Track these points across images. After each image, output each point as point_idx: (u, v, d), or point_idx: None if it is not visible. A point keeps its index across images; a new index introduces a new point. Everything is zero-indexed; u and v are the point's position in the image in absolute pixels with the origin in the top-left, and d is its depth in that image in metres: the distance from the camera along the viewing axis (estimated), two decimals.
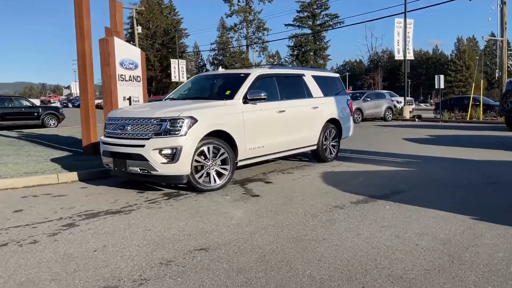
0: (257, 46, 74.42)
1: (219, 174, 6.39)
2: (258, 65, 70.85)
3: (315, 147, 8.43)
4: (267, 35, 72.71)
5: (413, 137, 13.48)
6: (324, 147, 8.58)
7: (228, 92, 6.99)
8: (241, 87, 6.92)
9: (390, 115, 23.24)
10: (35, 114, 21.04)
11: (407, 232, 4.23)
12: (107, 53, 9.20)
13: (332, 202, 5.45)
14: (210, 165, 6.24)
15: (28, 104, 21.64)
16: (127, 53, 9.69)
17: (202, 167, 6.21)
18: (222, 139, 6.42)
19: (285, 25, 77.40)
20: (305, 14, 74.37)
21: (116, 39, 9.37)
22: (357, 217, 4.78)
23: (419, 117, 23.83)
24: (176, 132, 5.88)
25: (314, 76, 8.59)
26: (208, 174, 6.25)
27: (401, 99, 28.38)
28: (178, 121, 5.91)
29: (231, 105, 6.64)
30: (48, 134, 15.42)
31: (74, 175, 7.31)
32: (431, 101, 66.69)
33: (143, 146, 5.89)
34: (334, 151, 8.87)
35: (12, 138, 14.24)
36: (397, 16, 24.87)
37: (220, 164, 6.39)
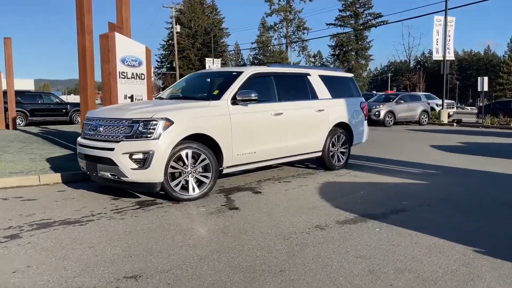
0: (296, 45, 73.52)
1: (200, 182, 5.79)
2: (295, 64, 70.01)
3: (320, 154, 7.67)
4: (307, 34, 71.72)
5: (442, 144, 12.36)
6: (331, 153, 7.80)
7: (216, 92, 6.39)
8: (231, 87, 6.29)
9: (426, 119, 21.85)
10: (64, 110, 21.28)
11: (386, 266, 3.47)
12: (107, 49, 8.80)
13: (315, 221, 4.73)
14: (189, 172, 5.66)
15: (57, 100, 21.94)
16: (131, 49, 9.26)
17: (180, 174, 5.63)
18: (204, 144, 5.83)
19: (327, 24, 75.98)
20: (348, 13, 72.63)
21: (117, 35, 8.96)
22: (335, 242, 4.04)
23: (459, 121, 22.30)
24: (148, 135, 5.33)
25: (321, 76, 7.82)
26: (187, 182, 5.67)
27: (446, 101, 26.69)
28: (151, 122, 5.36)
29: (216, 106, 6.02)
30: (67, 131, 15.39)
31: (57, 177, 6.94)
32: (480, 104, 63.31)
33: (112, 149, 5.39)
34: (343, 159, 8.07)
35: (29, 134, 14.28)
36: (437, 13, 23.39)
37: (201, 171, 5.79)
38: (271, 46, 76.58)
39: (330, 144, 7.74)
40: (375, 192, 6.16)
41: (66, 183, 6.84)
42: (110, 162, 5.41)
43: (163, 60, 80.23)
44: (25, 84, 39.23)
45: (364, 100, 8.75)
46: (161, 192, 5.70)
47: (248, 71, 6.59)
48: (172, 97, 6.94)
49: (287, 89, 7.13)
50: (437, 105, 25.89)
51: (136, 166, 5.31)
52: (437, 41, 23.18)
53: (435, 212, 5.09)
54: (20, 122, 19.72)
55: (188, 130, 5.58)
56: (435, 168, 8.19)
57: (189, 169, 5.66)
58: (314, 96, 7.52)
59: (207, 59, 42.73)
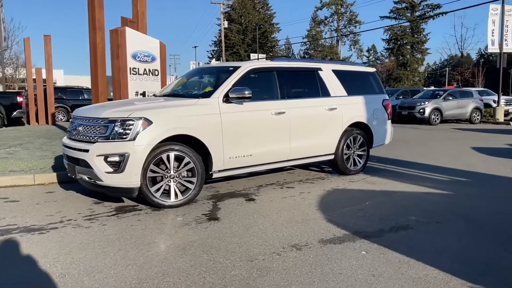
0: (347, 39, 71.43)
1: (185, 188, 5.31)
2: (345, 59, 68.11)
3: (332, 157, 6.95)
4: (359, 27, 69.44)
5: (486, 146, 11.12)
6: (346, 156, 7.06)
7: (208, 89, 5.87)
8: (224, 84, 5.75)
9: (478, 117, 20.13)
10: None
11: None
12: (117, 45, 8.53)
13: (295, 238, 4.11)
14: (172, 176, 5.19)
15: None
16: (143, 45, 8.95)
17: (163, 178, 5.18)
18: (191, 146, 5.35)
19: (381, 17, 73.00)
20: (403, 5, 69.48)
21: (128, 30, 8.67)
22: (304, 268, 3.42)
23: None
24: (124, 136, 4.91)
25: (336, 71, 7.09)
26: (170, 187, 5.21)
27: (504, 97, 24.55)
28: (127, 122, 4.94)
29: (205, 105, 5.50)
30: None
31: (53, 177, 6.73)
32: None
33: (87, 151, 5.02)
34: (360, 162, 7.29)
35: (62, 130, 14.47)
36: (494, 2, 21.46)
37: (186, 175, 5.31)
38: (321, 41, 74.93)
39: (345, 146, 7.00)
40: (383, 203, 5.41)
41: (62, 183, 6.61)
42: (86, 165, 5.06)
43: (214, 56, 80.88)
44: (55, 74, 40.46)
45: (387, 98, 7.89)
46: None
47: (246, 66, 6.01)
48: (166, 94, 6.49)
49: (293, 85, 6.48)
50: (494, 101, 23.85)
51: (111, 170, 4.91)
52: (492, 32, 21.27)
53: (442, 232, 4.29)
54: (62, 118, 20.24)
55: (169, 131, 5.10)
56: (467, 175, 7.21)
57: (171, 173, 5.19)
58: (325, 93, 6.81)
59: (251, 54, 42.27)
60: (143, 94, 8.93)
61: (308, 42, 77.75)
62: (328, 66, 7.05)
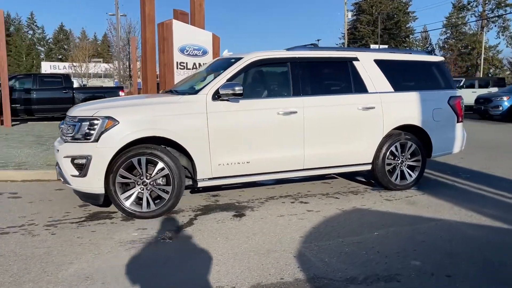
0: (495, 25, 62.90)
1: (158, 197, 4.70)
2: (490, 48, 60.21)
3: (368, 167, 5.65)
4: (510, 12, 60.49)
5: None
6: (390, 167, 5.69)
7: (199, 85, 5.13)
8: (216, 78, 4.96)
9: None
10: None
11: None
12: (163, 38, 8.28)
13: (226, 278, 3.20)
14: (144, 183, 4.61)
15: None
16: (193, 38, 8.56)
17: (135, 184, 4.64)
18: (168, 149, 4.72)
19: None
20: None
21: (175, 23, 8.34)
22: None
23: None
24: (88, 137, 4.47)
25: (379, 61, 5.72)
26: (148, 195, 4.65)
27: None
28: (92, 122, 4.49)
29: (188, 103, 4.78)
30: None
31: None
32: None
33: (58, 151, 4.71)
34: (411, 175, 5.82)
35: None
36: None
37: (162, 183, 4.69)
38: (464, 28, 67.30)
39: (387, 155, 5.63)
40: (396, 236, 4.07)
41: None
42: (58, 166, 4.76)
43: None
44: None
45: (457, 94, 6.17)
46: None
47: (248, 57, 5.10)
48: (171, 90, 5.89)
49: (312, 80, 5.34)
50: None
51: (76, 173, 4.51)
52: None
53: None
54: None
55: (138, 132, 4.51)
56: None
57: (145, 179, 4.61)
58: (360, 89, 5.53)
59: (371, 45, 39.60)
60: None
61: (447, 31, 70.69)
62: (368, 56, 5.71)
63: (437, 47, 78.76)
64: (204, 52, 8.64)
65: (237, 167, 4.94)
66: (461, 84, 21.81)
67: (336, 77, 5.60)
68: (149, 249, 3.79)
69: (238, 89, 4.68)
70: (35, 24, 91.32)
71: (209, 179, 4.90)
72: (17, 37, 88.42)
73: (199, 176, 4.80)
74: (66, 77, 16.29)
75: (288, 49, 5.43)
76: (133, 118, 4.54)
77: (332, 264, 3.41)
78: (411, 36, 75.19)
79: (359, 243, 3.87)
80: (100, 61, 52.23)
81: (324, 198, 5.45)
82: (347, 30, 76.10)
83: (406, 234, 4.12)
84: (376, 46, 39.36)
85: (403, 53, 6.19)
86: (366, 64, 5.63)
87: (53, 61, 72.89)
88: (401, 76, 5.88)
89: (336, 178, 6.56)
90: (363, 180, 6.41)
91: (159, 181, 4.69)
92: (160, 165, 4.59)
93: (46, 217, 4.72)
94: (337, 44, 71.92)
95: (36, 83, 15.21)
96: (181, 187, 4.68)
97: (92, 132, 4.44)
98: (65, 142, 4.65)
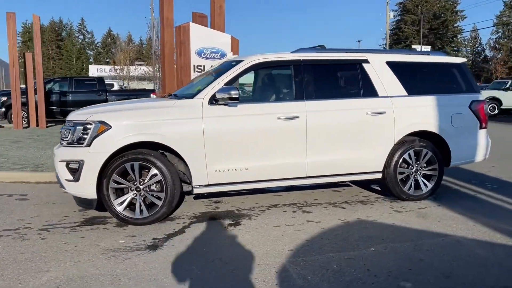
0: None
1: (153, 204, 4.60)
2: None
3: (379, 176, 5.32)
4: None
5: None
6: (403, 176, 5.33)
7: (197, 89, 4.99)
8: (214, 82, 4.81)
9: None
10: None
11: None
12: (180, 41, 8.23)
13: None
14: (138, 189, 4.53)
15: None
16: (211, 40, 8.45)
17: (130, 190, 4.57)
18: (167, 155, 4.63)
19: None
20: None
21: (193, 26, 8.26)
22: None
23: None
24: (81, 142, 4.45)
25: (392, 64, 5.38)
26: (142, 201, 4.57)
27: None
28: (85, 126, 4.46)
29: (183, 107, 4.65)
30: None
31: None
32: None
33: (55, 155, 4.72)
34: (427, 185, 5.42)
35: None
36: None
37: (156, 190, 4.59)
38: None
39: (400, 162, 5.27)
40: (393, 253, 3.75)
41: None
42: (56, 170, 4.77)
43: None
44: None
45: (480, 97, 5.70)
46: None
47: (248, 60, 4.92)
48: (173, 93, 5.79)
49: (317, 83, 5.08)
50: None
51: (71, 177, 4.50)
52: None
53: None
54: None
55: (131, 137, 4.43)
56: None
57: (138, 185, 4.53)
58: (369, 93, 5.21)
59: (413, 46, 38.18)
60: None
61: (498, 30, 67.33)
62: (379, 58, 5.37)
63: (487, 46, 75.29)
64: (222, 55, 8.51)
65: (235, 174, 4.76)
66: (507, 86, 20.61)
67: (343, 81, 5.32)
68: (128, 259, 3.68)
69: (234, 93, 4.51)
70: (85, 29, 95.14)
71: (206, 185, 4.75)
72: (69, 42, 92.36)
73: (194, 182, 4.67)
74: (100, 80, 16.72)
75: (293, 52, 5.20)
76: (126, 123, 4.46)
77: (314, 283, 3.17)
78: (459, 36, 72.32)
79: (350, 260, 3.60)
80: (142, 64, 53.50)
81: (329, 207, 5.17)
82: (391, 30, 74.20)
83: (405, 250, 3.80)
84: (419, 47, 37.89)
85: (421, 54, 5.78)
86: (377, 66, 5.30)
87: (100, 64, 75.64)
88: (416, 79, 5.52)
89: (350, 186, 6.25)
90: (377, 188, 6.06)
91: (153, 187, 4.60)
92: (153, 171, 4.50)
93: (43, 220, 4.74)
94: (380, 46, 70.22)
95: (72, 86, 15.71)
96: (175, 194, 4.56)
97: (85, 136, 4.41)
98: (62, 146, 4.65)
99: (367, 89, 5.21)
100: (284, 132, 4.85)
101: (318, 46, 5.39)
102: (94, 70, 59.78)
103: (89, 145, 4.38)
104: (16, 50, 13.31)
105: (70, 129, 4.57)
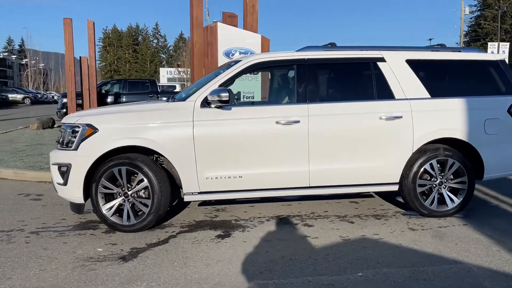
0: None
1: (139, 211, 4.43)
2: None
3: (395, 187, 4.74)
4: None
5: None
6: (424, 188, 4.71)
7: (192, 91, 4.73)
8: (208, 83, 4.53)
9: None
10: None
11: None
12: (207, 42, 8.05)
13: None
14: (126, 195, 4.37)
15: None
16: (240, 41, 8.19)
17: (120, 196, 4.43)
18: (157, 160, 4.44)
19: None
20: None
21: (221, 26, 8.06)
22: None
23: None
24: (70, 145, 4.37)
25: (413, 62, 4.76)
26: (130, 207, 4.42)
27: None
28: (74, 129, 4.38)
29: (173, 110, 4.42)
30: None
31: None
32: None
33: (50, 158, 4.69)
34: (454, 200, 4.74)
35: None
36: None
37: (144, 196, 4.41)
38: None
39: (421, 173, 4.66)
40: (382, 282, 3.23)
41: None
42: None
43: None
44: None
45: None
46: None
47: (246, 60, 4.58)
48: (171, 97, 5.57)
49: (323, 84, 4.65)
50: None
51: (61, 181, 4.44)
52: None
53: None
54: None
55: (117, 141, 4.28)
56: None
57: (126, 190, 4.37)
58: (384, 95, 4.65)
59: (489, 43, 35.20)
60: (237, 95, 8.18)
61: None
62: (398, 55, 4.78)
63: None
64: None
65: (228, 181, 4.45)
66: None
67: (354, 81, 4.80)
68: (93, 270, 3.50)
69: (224, 95, 4.20)
70: (159, 33, 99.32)
71: (199, 193, 4.48)
72: (143, 46, 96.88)
73: (185, 190, 4.42)
74: (153, 82, 17.14)
75: (298, 50, 4.78)
76: (113, 126, 4.32)
77: None
78: None
79: (329, 285, 3.15)
80: None
81: (336, 221, 4.68)
82: (469, 27, 69.57)
83: (398, 278, 3.26)
84: (495, 44, 34.94)
85: (451, 51, 5.08)
86: (395, 65, 4.73)
87: (172, 67, 78.49)
88: (443, 80, 4.87)
89: (372, 196, 5.68)
90: (401, 201, 5.43)
91: (141, 193, 4.41)
92: (140, 176, 4.31)
93: (40, 223, 4.73)
94: (457, 44, 65.92)
95: (125, 88, 16.23)
96: (161, 202, 4.34)
97: (73, 139, 4.33)
98: (56, 149, 4.61)
99: (382, 91, 4.65)
100: (283, 137, 4.45)
101: (329, 44, 4.91)
102: (164, 73, 62.11)
103: (76, 148, 4.29)
104: (72, 54, 13.93)
105: (61, 132, 4.52)
